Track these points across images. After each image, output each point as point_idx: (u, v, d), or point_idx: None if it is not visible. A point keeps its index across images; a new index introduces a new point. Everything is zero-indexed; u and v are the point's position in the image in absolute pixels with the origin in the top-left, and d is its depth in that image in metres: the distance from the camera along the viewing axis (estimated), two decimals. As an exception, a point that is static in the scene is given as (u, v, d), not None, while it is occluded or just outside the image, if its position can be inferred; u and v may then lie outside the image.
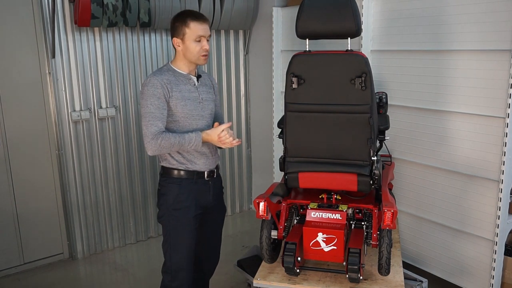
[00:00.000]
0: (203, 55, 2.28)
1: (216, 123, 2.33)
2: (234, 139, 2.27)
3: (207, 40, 2.29)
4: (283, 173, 2.40)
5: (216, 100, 2.51)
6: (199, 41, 2.25)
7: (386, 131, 2.46)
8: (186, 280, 2.38)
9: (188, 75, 2.33)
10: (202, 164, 2.36)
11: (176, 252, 2.35)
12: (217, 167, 2.47)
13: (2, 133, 3.35)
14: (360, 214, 2.34)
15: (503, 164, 2.60)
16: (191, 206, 2.34)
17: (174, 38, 2.27)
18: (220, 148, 2.42)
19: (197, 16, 2.25)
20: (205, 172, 2.38)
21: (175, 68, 2.32)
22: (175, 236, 2.34)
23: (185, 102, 2.27)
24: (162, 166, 2.38)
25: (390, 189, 2.65)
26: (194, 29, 2.23)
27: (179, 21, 2.24)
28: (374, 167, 2.20)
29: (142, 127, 2.24)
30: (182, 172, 2.33)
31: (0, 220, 3.42)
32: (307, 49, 2.26)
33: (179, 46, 2.27)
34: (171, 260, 2.36)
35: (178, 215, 2.33)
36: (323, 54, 2.19)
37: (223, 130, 2.25)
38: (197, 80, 2.37)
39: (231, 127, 2.31)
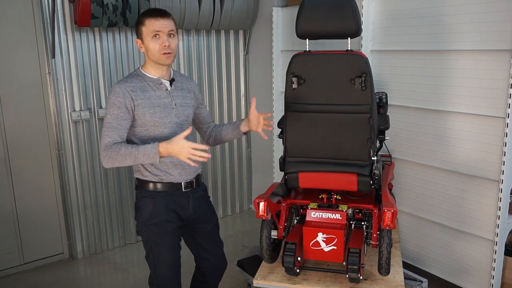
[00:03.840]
0: (164, 53, 2.07)
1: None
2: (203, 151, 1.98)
3: (170, 36, 2.08)
4: (283, 173, 2.40)
5: (200, 104, 2.36)
6: (158, 37, 2.06)
7: (386, 131, 2.46)
8: None
9: (159, 79, 2.15)
10: (177, 175, 2.18)
11: (161, 265, 2.23)
12: (197, 177, 2.29)
13: (2, 133, 3.35)
14: (360, 214, 2.34)
15: (503, 164, 2.60)
16: (168, 219, 2.19)
17: (136, 40, 2.13)
18: (245, 133, 2.29)
19: (153, 12, 2.07)
20: (182, 184, 2.21)
21: (145, 73, 2.15)
22: (156, 250, 2.22)
23: (154, 110, 2.10)
24: (137, 178, 2.22)
25: (390, 189, 2.65)
26: (149, 25, 2.05)
27: (137, 21, 2.10)
28: (374, 167, 2.20)
29: None
30: (158, 185, 2.17)
31: (0, 220, 3.42)
32: (307, 49, 2.26)
33: (141, 47, 2.12)
34: (156, 272, 2.25)
35: (156, 230, 2.19)
36: (323, 54, 2.19)
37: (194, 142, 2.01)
38: (171, 84, 2.19)
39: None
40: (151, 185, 2.18)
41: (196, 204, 2.29)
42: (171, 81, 2.20)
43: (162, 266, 2.24)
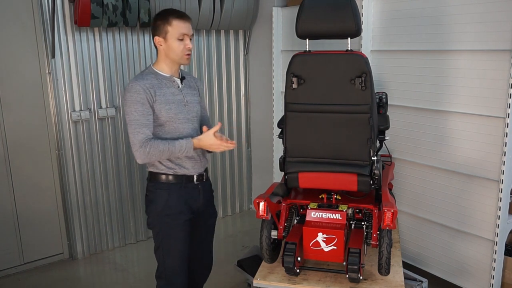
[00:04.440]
0: (187, 54, 2.22)
1: (204, 127, 2.26)
2: (228, 141, 2.22)
3: (190, 39, 2.23)
4: (283, 173, 2.40)
5: (202, 102, 2.44)
6: (182, 39, 2.19)
7: (386, 131, 2.46)
8: (181, 285, 2.33)
9: (172, 77, 2.26)
10: (191, 168, 2.29)
11: (170, 258, 2.29)
12: (205, 171, 2.41)
13: (2, 133, 3.35)
14: (360, 214, 2.34)
15: (503, 164, 2.60)
16: (181, 211, 2.28)
17: (156, 37, 2.20)
18: (209, 152, 2.36)
19: (180, 14, 2.19)
20: (194, 176, 2.31)
21: (158, 71, 2.24)
22: (167, 242, 2.27)
23: (169, 106, 2.20)
24: (150, 172, 2.31)
25: (390, 189, 2.65)
26: (177, 27, 2.16)
27: (161, 20, 2.18)
28: (374, 167, 2.20)
29: (129, 135, 2.16)
30: (170, 177, 2.26)
31: (0, 220, 3.42)
32: (307, 49, 2.26)
33: (161, 45, 2.20)
34: (164, 265, 2.30)
35: (169, 221, 2.26)
36: (323, 54, 2.19)
37: (217, 135, 2.20)
38: (181, 82, 2.30)
39: (221, 130, 2.30)
40: (164, 177, 2.27)
41: (205, 196, 2.40)
42: (182, 79, 2.31)
43: (173, 258, 2.29)
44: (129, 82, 2.19)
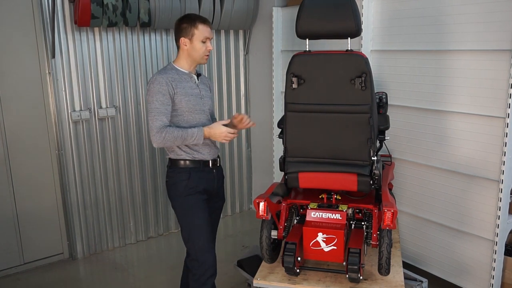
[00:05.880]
0: (206, 55, 2.48)
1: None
2: (234, 133, 2.45)
3: (210, 42, 2.48)
4: (283, 173, 2.40)
5: (212, 98, 2.66)
6: (205, 42, 2.44)
7: (386, 131, 2.46)
8: (212, 262, 2.46)
9: (190, 73, 2.49)
10: (206, 154, 2.51)
11: (197, 237, 2.44)
12: (218, 156, 2.62)
13: (2, 133, 3.35)
14: (360, 214, 2.34)
15: (503, 164, 2.60)
16: (200, 191, 2.47)
17: (182, 38, 2.43)
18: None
19: (204, 20, 2.46)
20: (210, 161, 2.53)
21: (178, 67, 2.47)
22: (192, 221, 2.44)
23: (188, 98, 2.42)
24: (170, 158, 2.51)
25: (390, 189, 2.65)
26: (202, 30, 2.41)
27: (187, 23, 2.42)
28: (374, 167, 2.20)
29: (148, 121, 2.39)
30: (188, 162, 2.47)
31: (0, 220, 3.42)
32: (307, 49, 2.26)
33: (185, 45, 2.43)
34: (194, 246, 2.44)
35: (191, 201, 2.45)
36: (323, 54, 2.19)
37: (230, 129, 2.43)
38: (197, 78, 2.53)
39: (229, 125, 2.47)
40: (183, 163, 2.48)
41: (219, 180, 2.61)
42: (198, 75, 2.55)
43: (198, 237, 2.44)
44: (153, 75, 2.41)
